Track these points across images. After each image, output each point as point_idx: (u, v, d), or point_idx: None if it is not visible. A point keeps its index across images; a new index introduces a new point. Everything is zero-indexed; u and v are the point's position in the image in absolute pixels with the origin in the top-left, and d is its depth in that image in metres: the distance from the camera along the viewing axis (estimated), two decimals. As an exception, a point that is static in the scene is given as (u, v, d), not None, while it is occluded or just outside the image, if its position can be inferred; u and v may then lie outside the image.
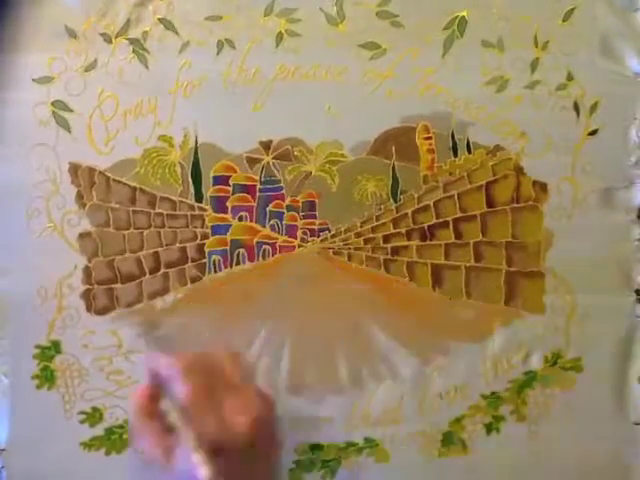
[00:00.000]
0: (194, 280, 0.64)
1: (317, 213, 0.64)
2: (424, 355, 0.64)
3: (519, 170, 0.64)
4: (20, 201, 0.62)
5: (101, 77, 0.61)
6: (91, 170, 0.62)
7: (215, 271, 0.63)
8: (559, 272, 0.64)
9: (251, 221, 0.64)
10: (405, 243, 0.64)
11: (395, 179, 0.63)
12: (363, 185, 0.63)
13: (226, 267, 0.64)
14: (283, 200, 0.64)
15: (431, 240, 0.64)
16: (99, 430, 0.64)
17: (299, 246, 0.64)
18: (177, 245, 0.63)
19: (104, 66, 0.61)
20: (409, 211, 0.64)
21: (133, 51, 0.61)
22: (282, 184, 0.64)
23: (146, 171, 0.62)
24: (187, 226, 0.63)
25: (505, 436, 0.65)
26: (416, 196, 0.64)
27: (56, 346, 0.63)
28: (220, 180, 0.63)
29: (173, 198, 0.63)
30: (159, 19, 0.61)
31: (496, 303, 0.64)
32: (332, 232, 0.64)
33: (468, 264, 0.64)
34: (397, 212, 0.64)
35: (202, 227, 0.63)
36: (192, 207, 0.63)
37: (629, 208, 0.64)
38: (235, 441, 0.40)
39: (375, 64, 0.62)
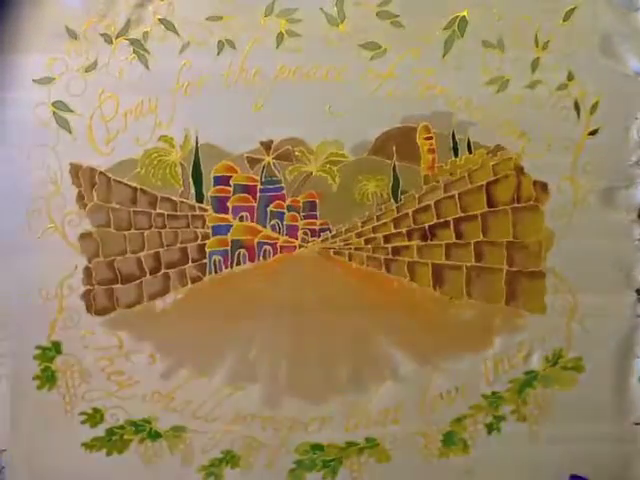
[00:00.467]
0: (195, 280, 0.64)
1: (318, 213, 0.64)
2: (424, 356, 0.64)
3: (520, 170, 0.64)
4: (21, 201, 0.62)
5: (102, 77, 0.61)
6: (92, 170, 0.62)
7: (216, 271, 0.63)
8: (560, 272, 0.64)
9: (252, 221, 0.64)
10: (406, 243, 0.64)
11: (396, 179, 0.63)
12: (364, 185, 0.63)
13: (227, 267, 0.64)
14: (284, 200, 0.64)
15: (432, 240, 0.64)
16: (100, 431, 0.64)
17: (300, 246, 0.64)
18: (178, 245, 0.63)
19: (104, 66, 0.61)
20: (410, 211, 0.64)
21: (134, 51, 0.61)
22: (283, 184, 0.64)
23: (147, 171, 0.62)
24: (188, 226, 0.63)
25: (506, 436, 0.65)
26: (417, 196, 0.64)
27: (57, 347, 0.63)
28: (221, 180, 0.63)
29: (174, 198, 0.63)
30: (159, 19, 0.61)
31: (497, 303, 0.64)
32: (333, 232, 0.64)
33: (469, 264, 0.64)
34: (398, 212, 0.64)
35: (203, 227, 0.63)
36: (193, 207, 0.63)
37: (630, 207, 0.64)
38: None
39: (375, 64, 0.62)
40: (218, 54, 0.61)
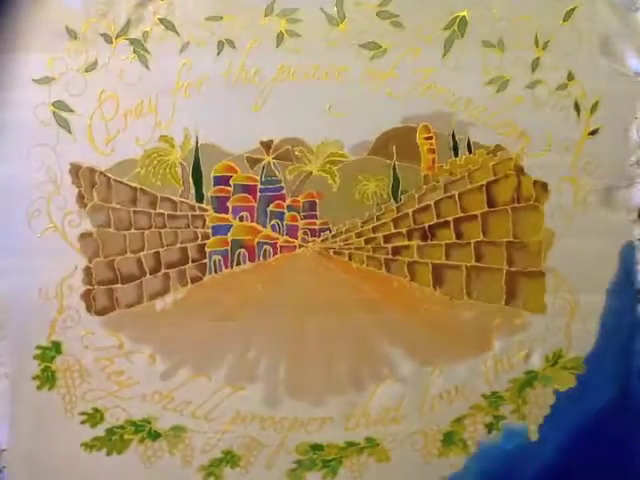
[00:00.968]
0: (195, 280, 0.63)
1: (318, 213, 0.64)
2: (424, 356, 0.64)
3: (520, 170, 0.64)
4: (21, 201, 0.62)
5: (102, 77, 0.61)
6: (92, 170, 0.62)
7: (216, 271, 0.63)
8: (560, 272, 0.64)
9: (252, 221, 0.64)
10: (406, 243, 0.64)
11: (396, 179, 0.63)
12: (364, 185, 0.63)
13: (227, 267, 0.63)
14: (284, 200, 0.64)
15: (432, 240, 0.64)
16: (100, 431, 0.64)
17: (300, 246, 0.64)
18: (178, 245, 0.63)
19: (104, 66, 0.61)
20: (410, 211, 0.64)
21: (134, 51, 0.61)
22: (283, 184, 0.63)
23: (147, 171, 0.62)
24: (188, 226, 0.63)
25: (506, 436, 0.65)
26: (417, 196, 0.64)
27: (57, 347, 0.63)
28: (221, 180, 0.63)
29: (174, 198, 0.63)
30: (159, 19, 0.61)
31: (497, 303, 0.64)
32: (333, 232, 0.64)
33: (469, 264, 0.64)
34: (398, 212, 0.64)
35: (203, 227, 0.63)
36: (193, 207, 0.63)
37: (630, 207, 0.64)
38: None
39: (376, 64, 0.62)
40: (218, 54, 0.61)
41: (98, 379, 0.63)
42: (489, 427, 0.66)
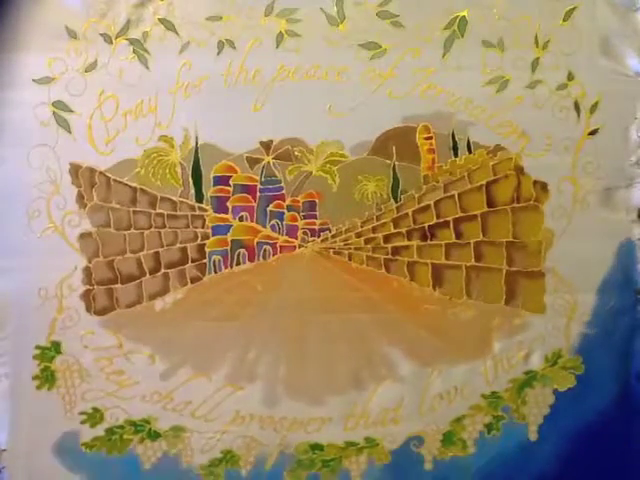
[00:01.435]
0: (194, 280, 0.63)
1: (318, 213, 0.64)
2: (424, 356, 0.64)
3: (519, 170, 0.64)
4: (21, 201, 0.62)
5: (101, 77, 0.61)
6: (92, 170, 0.62)
7: (215, 271, 0.63)
8: (559, 272, 0.64)
9: (252, 221, 0.64)
10: (406, 243, 0.64)
11: (396, 179, 0.63)
12: (364, 185, 0.63)
13: (226, 267, 0.63)
14: (284, 200, 0.64)
15: (431, 240, 0.64)
16: (100, 430, 0.64)
17: (299, 246, 0.64)
18: (177, 245, 0.63)
19: (104, 66, 0.61)
20: (409, 211, 0.64)
21: (133, 51, 0.61)
22: (282, 184, 0.63)
23: (147, 171, 0.62)
24: (188, 226, 0.63)
25: (506, 436, 0.65)
26: (417, 196, 0.64)
27: (56, 347, 0.63)
28: (221, 180, 0.63)
29: (174, 198, 0.63)
30: (159, 19, 0.61)
31: (497, 303, 0.64)
32: (333, 232, 0.64)
33: (468, 264, 0.64)
34: (398, 212, 0.64)
35: (203, 227, 0.63)
36: (193, 207, 0.63)
37: (629, 207, 0.64)
38: None
39: (375, 64, 0.62)
40: (218, 54, 0.61)
41: (98, 379, 0.63)
42: (489, 427, 0.66)
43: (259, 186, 0.63)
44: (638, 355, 0.65)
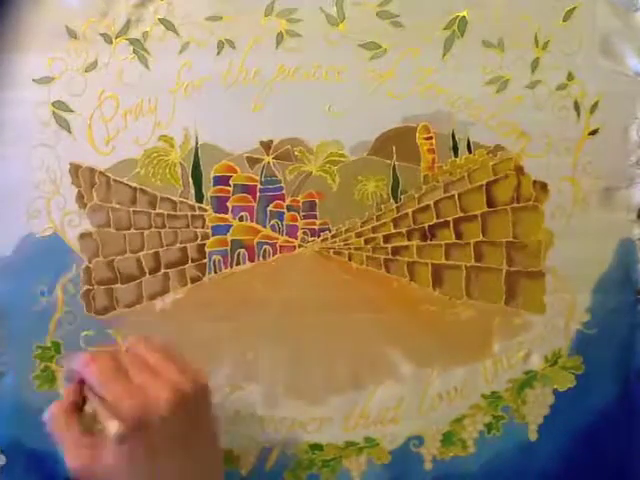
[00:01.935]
0: (194, 280, 0.64)
1: (317, 213, 0.64)
2: (424, 356, 0.64)
3: (519, 170, 0.64)
4: (20, 201, 0.62)
5: (101, 77, 0.61)
6: (92, 170, 0.62)
7: (215, 271, 0.63)
8: (560, 272, 0.64)
9: (252, 221, 0.64)
10: (405, 243, 0.64)
11: (395, 179, 0.63)
12: (363, 185, 0.63)
13: (226, 267, 0.63)
14: (283, 200, 0.64)
15: (431, 240, 0.64)
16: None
17: (299, 246, 0.64)
18: (177, 245, 0.63)
19: (104, 66, 0.61)
20: (409, 211, 0.64)
21: (133, 51, 0.61)
22: (282, 184, 0.63)
23: (147, 171, 0.62)
24: (188, 226, 0.63)
25: (506, 436, 0.65)
26: (416, 196, 0.64)
27: (56, 347, 0.63)
28: (221, 180, 0.63)
29: (173, 198, 0.63)
30: (159, 19, 0.61)
31: (496, 303, 0.64)
32: (332, 232, 0.64)
33: (468, 264, 0.64)
34: (397, 212, 0.64)
35: (203, 227, 0.63)
36: (193, 207, 0.63)
37: (629, 208, 0.64)
38: (154, 416, 0.41)
39: (375, 64, 0.62)
40: (218, 54, 0.61)
41: (98, 379, 0.63)
42: (488, 427, 0.66)
43: (259, 186, 0.63)
44: (638, 355, 0.65)
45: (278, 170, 0.63)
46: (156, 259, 0.63)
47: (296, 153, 0.63)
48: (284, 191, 0.64)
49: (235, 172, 0.63)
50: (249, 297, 0.64)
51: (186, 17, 0.61)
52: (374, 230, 0.64)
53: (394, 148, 0.63)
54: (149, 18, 0.61)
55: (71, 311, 0.63)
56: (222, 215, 0.63)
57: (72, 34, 0.61)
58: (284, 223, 0.64)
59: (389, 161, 0.63)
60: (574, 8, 0.62)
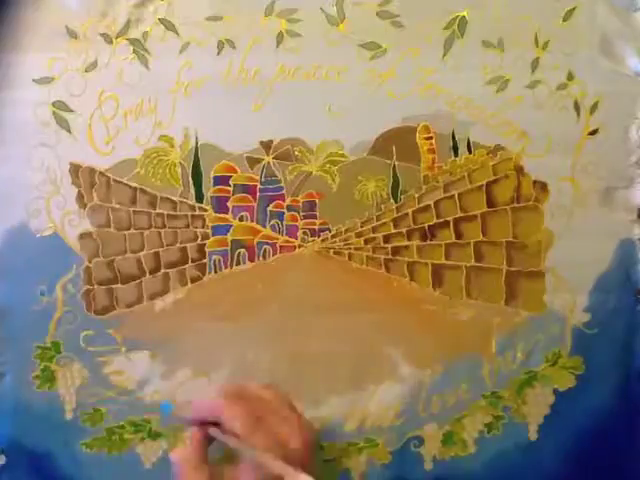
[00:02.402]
0: (194, 280, 0.63)
1: (317, 213, 0.64)
2: (424, 355, 0.64)
3: (520, 170, 0.64)
4: (20, 201, 0.62)
5: (101, 77, 0.61)
6: (91, 170, 0.62)
7: (216, 271, 0.63)
8: (560, 272, 0.64)
9: (252, 221, 0.64)
10: (405, 243, 0.64)
11: (396, 179, 0.63)
12: (363, 185, 0.63)
13: (227, 267, 0.63)
14: (283, 200, 0.64)
15: (432, 240, 0.64)
16: (100, 430, 0.64)
17: (299, 246, 0.64)
18: (177, 245, 0.63)
19: (104, 66, 0.61)
20: (409, 211, 0.64)
21: (133, 51, 0.61)
22: (282, 184, 0.63)
23: (146, 171, 0.62)
24: (188, 226, 0.63)
25: (506, 436, 0.65)
26: (417, 196, 0.64)
27: (56, 347, 0.63)
28: (221, 180, 0.63)
29: (174, 198, 0.63)
30: (159, 19, 0.61)
31: (496, 303, 0.64)
32: (332, 232, 0.64)
33: (468, 264, 0.64)
34: (397, 212, 0.64)
35: (203, 227, 0.63)
36: (193, 207, 0.63)
37: (629, 208, 0.64)
38: (292, 462, 0.42)
39: (376, 64, 0.62)
40: (218, 54, 0.61)
41: (98, 379, 0.63)
42: (489, 427, 0.66)
43: (259, 186, 0.63)
44: (638, 355, 0.65)
45: (278, 170, 0.63)
46: (156, 259, 0.63)
47: (296, 153, 0.63)
48: (284, 191, 0.64)
49: (235, 172, 0.63)
50: (249, 297, 0.64)
51: (186, 17, 0.61)
52: (374, 230, 0.64)
53: (394, 148, 0.63)
54: (149, 18, 0.61)
55: (71, 311, 0.63)
56: (222, 215, 0.63)
57: (72, 34, 0.60)
58: (284, 223, 0.64)
59: (389, 161, 0.63)
60: (574, 8, 0.62)
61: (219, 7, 0.61)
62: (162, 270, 0.63)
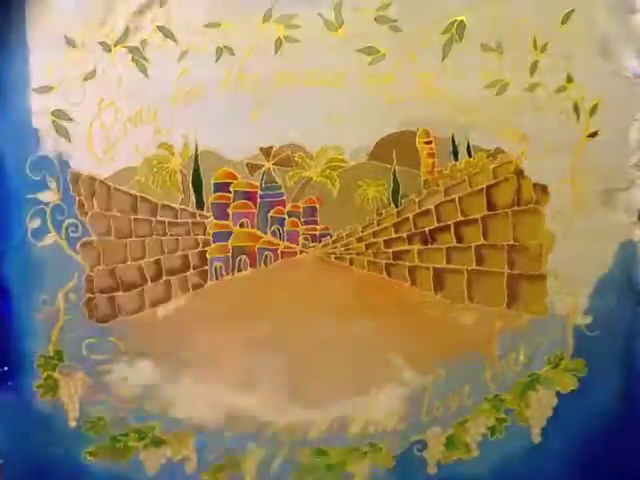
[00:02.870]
0: (196, 287, 0.64)
1: (318, 219, 0.64)
2: (426, 359, 0.64)
3: (520, 173, 0.64)
4: (21, 210, 0.62)
5: (100, 86, 0.61)
6: (92, 179, 0.62)
7: (217, 278, 0.63)
8: (561, 274, 0.64)
9: (252, 227, 0.64)
10: (406, 247, 0.64)
11: (396, 183, 0.63)
12: (364, 190, 0.63)
13: (228, 274, 0.63)
14: (284, 206, 0.64)
15: (432, 244, 0.64)
16: (104, 438, 0.64)
17: (301, 252, 0.64)
18: (179, 252, 0.63)
19: (103, 74, 0.61)
20: (410, 215, 0.64)
21: (132, 59, 0.61)
22: (283, 190, 0.63)
23: (147, 179, 0.62)
24: (189, 233, 0.63)
25: (509, 439, 0.65)
26: (417, 200, 0.64)
27: (59, 355, 0.63)
28: (221, 187, 0.63)
29: (174, 206, 0.63)
30: (158, 27, 0.61)
31: (498, 306, 0.64)
32: (333, 237, 0.64)
33: (470, 267, 0.64)
34: (398, 216, 0.64)
35: (204, 234, 0.63)
36: (193, 214, 0.63)
37: (629, 209, 0.64)
38: None
39: (374, 69, 0.62)
40: (217, 61, 0.61)
41: (100, 387, 0.63)
42: (492, 430, 0.66)
43: (260, 192, 0.63)
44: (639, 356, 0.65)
45: (278, 176, 0.63)
46: (157, 266, 0.63)
47: (296, 159, 0.63)
48: (284, 197, 0.64)
49: (235, 179, 0.63)
50: (250, 303, 0.64)
51: (184, 24, 0.61)
52: (375, 235, 0.64)
53: (394, 153, 0.63)
54: (147, 26, 0.61)
55: (73, 319, 0.63)
56: (223, 222, 0.63)
57: (70, 43, 0.60)
58: (285, 229, 0.64)
59: (389, 166, 0.63)
60: (572, 11, 0.62)
61: (217, 14, 0.61)
62: (164, 277, 0.63)
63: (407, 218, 0.64)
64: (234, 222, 0.63)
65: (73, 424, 0.64)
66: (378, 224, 0.64)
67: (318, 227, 0.64)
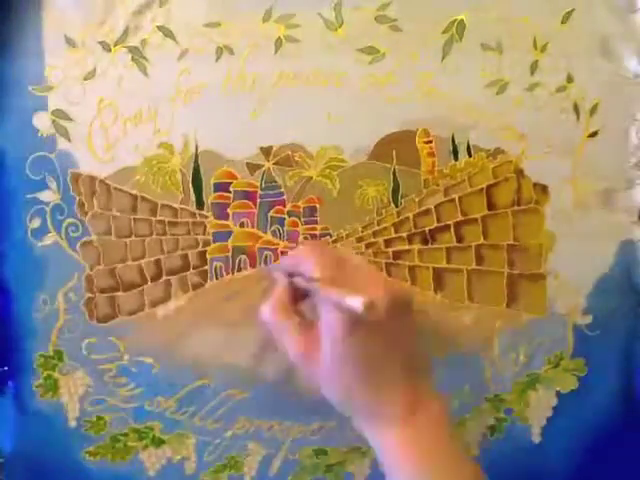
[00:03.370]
0: (196, 287, 0.64)
1: (318, 218, 0.64)
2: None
3: (520, 173, 0.64)
4: (21, 210, 0.62)
5: (100, 85, 0.61)
6: (92, 179, 0.62)
7: (217, 278, 0.63)
8: (561, 274, 0.64)
9: (252, 227, 0.64)
10: (406, 247, 0.64)
11: (396, 183, 0.63)
12: (364, 190, 0.63)
13: (228, 273, 0.63)
14: (284, 206, 0.64)
15: (432, 244, 0.64)
16: (103, 438, 0.64)
17: (301, 251, 0.64)
18: (179, 252, 0.63)
19: (103, 74, 0.61)
20: (410, 215, 0.64)
21: (132, 59, 0.61)
22: (283, 190, 0.63)
23: (147, 179, 0.62)
24: (188, 233, 0.63)
25: (508, 438, 0.65)
26: (417, 200, 0.64)
27: (59, 355, 0.63)
28: (221, 187, 0.63)
29: (174, 205, 0.63)
30: (158, 27, 0.60)
31: (498, 306, 0.64)
32: (334, 237, 0.64)
33: (470, 267, 0.64)
34: (398, 216, 0.64)
35: (203, 234, 0.63)
36: (193, 214, 0.63)
37: (630, 209, 0.64)
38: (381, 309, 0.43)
39: (374, 68, 0.62)
40: (217, 60, 0.61)
41: (100, 387, 0.63)
42: (491, 429, 0.66)
43: (259, 192, 0.63)
44: (640, 356, 0.65)
45: (278, 176, 0.63)
46: (157, 266, 0.63)
47: (296, 158, 0.63)
48: (284, 197, 0.63)
49: (235, 178, 0.63)
50: (251, 303, 0.64)
51: (184, 24, 0.61)
52: (375, 235, 0.64)
53: (394, 152, 0.63)
54: (147, 26, 0.60)
55: (73, 319, 0.63)
56: (223, 221, 0.63)
57: (70, 42, 0.60)
58: (285, 229, 0.64)
59: (389, 165, 0.63)
60: (573, 10, 0.62)
61: (217, 13, 0.61)
62: (164, 277, 0.63)
63: (407, 218, 0.64)
64: (234, 222, 0.63)
65: (73, 424, 0.64)
66: (378, 224, 0.64)
67: (318, 227, 0.64)
